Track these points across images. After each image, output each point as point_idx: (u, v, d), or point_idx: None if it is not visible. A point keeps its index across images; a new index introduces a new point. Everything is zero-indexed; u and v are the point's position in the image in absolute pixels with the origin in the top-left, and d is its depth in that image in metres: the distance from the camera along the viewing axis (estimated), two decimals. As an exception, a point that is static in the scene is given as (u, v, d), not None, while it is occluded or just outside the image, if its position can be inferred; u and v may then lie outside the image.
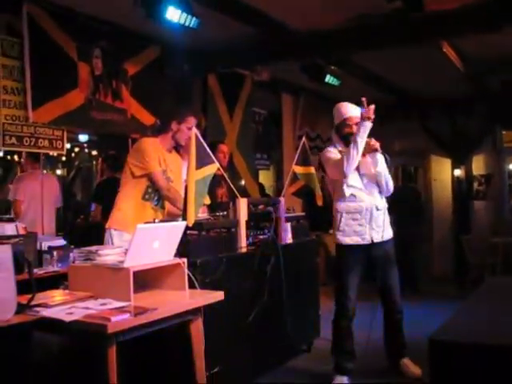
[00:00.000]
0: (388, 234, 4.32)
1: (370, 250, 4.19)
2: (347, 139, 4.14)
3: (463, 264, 8.99)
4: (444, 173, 9.87)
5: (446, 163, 9.82)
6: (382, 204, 4.28)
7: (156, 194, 4.07)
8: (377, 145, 4.16)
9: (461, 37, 6.07)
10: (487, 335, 2.32)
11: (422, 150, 9.75)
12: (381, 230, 4.21)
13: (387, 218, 4.32)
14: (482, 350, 2.17)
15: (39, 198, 5.86)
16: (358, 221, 4.15)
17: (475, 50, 6.65)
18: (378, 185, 4.24)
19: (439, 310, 5.82)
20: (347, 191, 4.13)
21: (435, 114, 9.55)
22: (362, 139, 4.00)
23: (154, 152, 4.00)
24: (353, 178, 4.14)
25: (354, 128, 4.11)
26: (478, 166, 9.75)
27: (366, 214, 4.15)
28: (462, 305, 2.96)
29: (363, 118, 4.01)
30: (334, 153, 4.23)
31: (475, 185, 9.77)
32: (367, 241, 4.17)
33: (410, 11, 5.26)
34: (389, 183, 4.27)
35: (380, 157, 4.24)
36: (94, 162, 10.38)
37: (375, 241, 4.18)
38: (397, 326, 4.48)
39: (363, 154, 4.10)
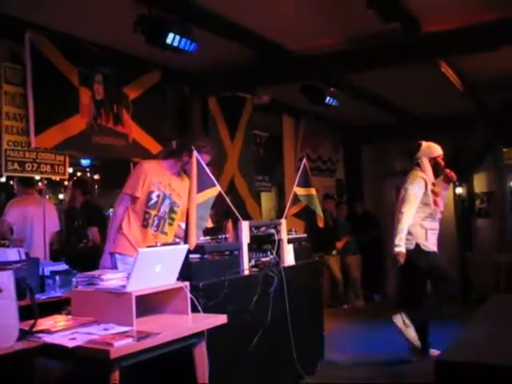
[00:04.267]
0: None
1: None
2: (439, 170, 5.42)
3: (467, 282, 8.96)
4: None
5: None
6: None
7: (155, 219, 4.07)
8: (454, 177, 5.49)
9: (458, 56, 6.12)
10: (493, 355, 2.30)
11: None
12: None
13: None
14: (488, 370, 2.15)
15: (31, 222, 5.84)
16: (436, 235, 5.37)
17: (474, 69, 6.69)
18: None
19: (444, 328, 5.81)
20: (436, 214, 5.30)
21: (436, 133, 9.55)
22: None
23: (142, 175, 4.01)
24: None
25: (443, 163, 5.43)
26: (480, 183, 9.75)
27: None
28: (466, 324, 2.95)
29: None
30: (417, 194, 5.23)
31: (477, 203, 9.75)
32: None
33: (407, 32, 5.33)
34: None
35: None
36: (97, 186, 10.41)
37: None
38: None
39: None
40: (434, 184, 5.33)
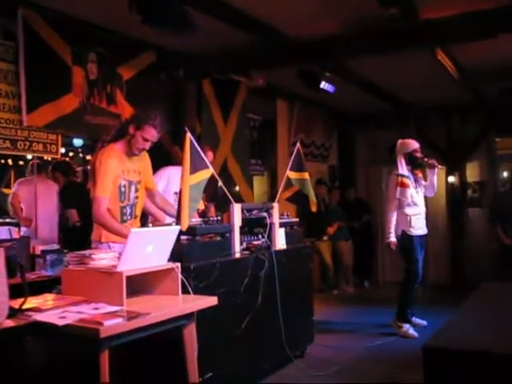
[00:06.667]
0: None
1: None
2: (416, 162, 5.94)
3: (458, 271, 9.01)
4: (438, 179, 9.86)
5: (441, 170, 9.82)
6: None
7: (127, 208, 3.94)
8: (435, 162, 5.90)
9: (455, 44, 6.10)
10: (480, 342, 2.32)
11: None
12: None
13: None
14: (474, 356, 2.17)
15: (37, 202, 5.90)
16: (420, 218, 6.00)
17: (470, 58, 6.67)
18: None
19: (434, 317, 5.85)
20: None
21: (431, 121, 9.57)
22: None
23: (110, 171, 3.77)
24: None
25: (419, 155, 5.95)
26: (472, 173, 9.76)
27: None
28: (455, 312, 2.96)
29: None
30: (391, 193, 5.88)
31: (469, 192, 9.77)
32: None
33: (405, 18, 5.30)
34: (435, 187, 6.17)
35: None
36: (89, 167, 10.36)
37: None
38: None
39: (423, 171, 6.07)
40: (402, 176, 5.82)
